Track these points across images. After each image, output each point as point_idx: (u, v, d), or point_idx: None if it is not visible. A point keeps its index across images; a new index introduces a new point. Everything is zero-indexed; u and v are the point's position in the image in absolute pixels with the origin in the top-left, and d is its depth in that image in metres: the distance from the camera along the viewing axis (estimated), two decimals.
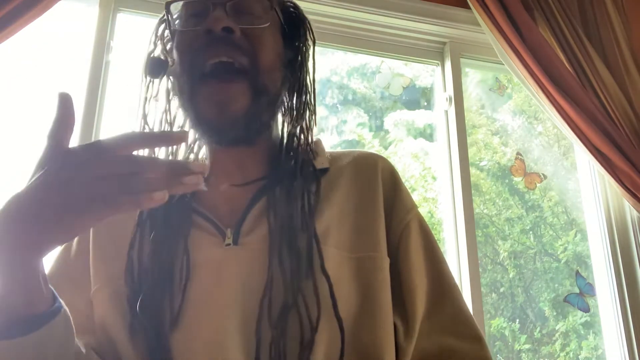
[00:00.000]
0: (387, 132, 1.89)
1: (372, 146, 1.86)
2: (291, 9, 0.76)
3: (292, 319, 0.57)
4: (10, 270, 0.47)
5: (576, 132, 1.71)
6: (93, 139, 1.46)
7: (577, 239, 1.91)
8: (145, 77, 0.71)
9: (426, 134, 1.91)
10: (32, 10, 1.38)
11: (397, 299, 0.66)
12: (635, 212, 1.78)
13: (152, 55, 0.71)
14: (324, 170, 0.71)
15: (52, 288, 0.52)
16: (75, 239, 0.70)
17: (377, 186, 0.70)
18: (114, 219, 0.68)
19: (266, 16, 0.67)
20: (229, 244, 0.62)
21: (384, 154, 1.85)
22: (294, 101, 0.73)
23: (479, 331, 0.68)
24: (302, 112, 0.72)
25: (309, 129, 0.72)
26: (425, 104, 1.94)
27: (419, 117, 1.93)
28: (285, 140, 0.72)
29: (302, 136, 0.71)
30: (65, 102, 0.46)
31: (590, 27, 1.88)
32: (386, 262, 0.66)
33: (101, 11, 1.58)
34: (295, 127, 0.71)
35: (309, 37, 0.75)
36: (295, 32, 0.74)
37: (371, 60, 1.94)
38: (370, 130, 1.88)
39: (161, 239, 0.63)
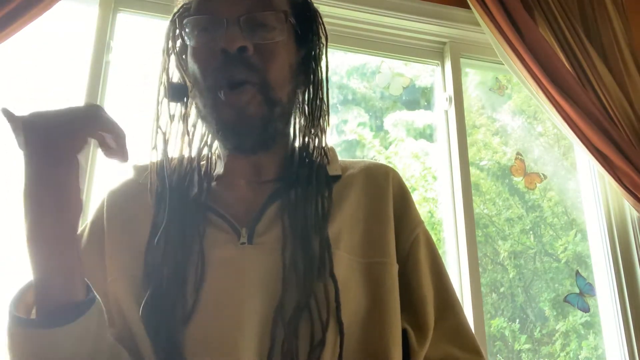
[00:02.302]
0: (387, 132, 1.89)
1: (373, 146, 1.86)
2: (302, 4, 0.76)
3: (303, 319, 0.59)
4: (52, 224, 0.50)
5: (576, 132, 1.71)
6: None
7: (577, 239, 1.91)
8: (167, 100, 0.72)
9: (426, 134, 1.90)
10: (32, 10, 1.38)
11: (406, 305, 0.68)
12: (635, 212, 1.78)
13: (171, 81, 0.72)
14: (336, 177, 0.73)
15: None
16: (86, 233, 0.72)
17: (388, 196, 0.73)
18: (129, 212, 0.70)
19: (280, 27, 0.67)
20: (243, 243, 0.64)
21: (383, 154, 1.85)
22: (308, 103, 0.74)
23: (479, 346, 0.72)
24: (315, 113, 0.74)
25: (323, 130, 0.74)
26: (425, 104, 1.94)
27: (419, 117, 1.92)
28: (299, 142, 0.73)
29: (316, 139, 0.73)
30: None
31: (590, 27, 1.88)
32: (395, 269, 0.68)
33: (101, 11, 1.58)
34: (310, 129, 0.73)
35: (321, 34, 0.76)
36: (308, 28, 0.75)
37: (371, 60, 1.94)
38: (371, 130, 1.88)
39: (177, 235, 0.64)
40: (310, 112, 0.74)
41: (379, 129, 1.89)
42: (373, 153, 1.85)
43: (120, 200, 0.72)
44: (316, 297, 0.60)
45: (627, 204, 1.78)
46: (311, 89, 0.74)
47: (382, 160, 1.84)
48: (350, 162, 0.78)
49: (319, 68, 0.75)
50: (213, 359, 0.58)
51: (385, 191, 0.73)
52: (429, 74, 1.95)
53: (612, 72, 1.80)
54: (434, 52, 1.90)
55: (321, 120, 0.74)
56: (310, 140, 0.73)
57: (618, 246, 1.81)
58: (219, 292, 0.61)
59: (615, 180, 1.70)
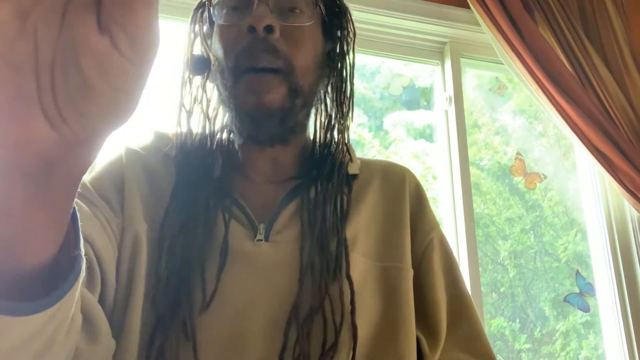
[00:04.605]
0: (386, 132, 1.89)
1: (373, 146, 1.86)
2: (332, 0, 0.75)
3: (316, 321, 0.58)
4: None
5: (576, 132, 1.71)
6: None
7: (578, 239, 1.91)
8: (188, 73, 0.70)
9: (426, 134, 1.90)
10: None
11: (419, 311, 0.67)
12: (635, 212, 1.78)
13: (194, 53, 0.70)
14: (354, 176, 0.72)
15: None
16: (100, 170, 0.65)
17: (405, 199, 0.71)
18: (152, 177, 0.64)
19: (309, 12, 0.66)
20: (260, 240, 0.63)
21: (383, 154, 1.85)
22: (333, 97, 0.73)
23: (492, 351, 0.70)
24: (340, 107, 0.72)
25: (347, 126, 0.73)
26: (425, 104, 1.94)
27: (419, 117, 1.93)
28: (321, 137, 0.72)
29: (339, 135, 0.71)
30: None
31: (590, 27, 1.88)
32: (410, 274, 0.67)
33: None
34: (333, 124, 0.71)
35: (350, 29, 0.75)
36: (337, 22, 0.74)
37: (371, 61, 1.94)
38: (370, 130, 1.88)
39: (199, 214, 0.62)
40: (335, 106, 0.72)
41: (378, 129, 1.89)
42: (373, 153, 1.85)
43: (141, 161, 0.67)
44: (331, 299, 0.59)
45: (627, 204, 1.78)
46: (337, 84, 0.73)
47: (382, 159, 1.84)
48: (367, 161, 0.77)
49: (345, 62, 0.74)
50: (221, 351, 0.56)
51: (401, 193, 0.72)
52: (429, 74, 1.95)
53: (612, 72, 1.80)
54: (434, 52, 1.90)
55: (344, 115, 0.72)
56: (333, 137, 0.71)
57: (618, 246, 1.81)
58: (232, 286, 0.59)
59: (615, 180, 1.70)
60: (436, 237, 0.72)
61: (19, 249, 0.31)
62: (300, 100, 0.66)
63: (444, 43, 1.89)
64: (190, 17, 0.73)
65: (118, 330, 0.56)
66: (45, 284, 0.33)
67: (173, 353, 0.55)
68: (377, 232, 0.68)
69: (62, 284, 0.33)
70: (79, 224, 0.35)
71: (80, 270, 0.35)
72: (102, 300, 0.56)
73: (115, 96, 0.28)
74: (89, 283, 0.54)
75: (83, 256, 0.36)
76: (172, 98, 0.71)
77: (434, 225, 0.73)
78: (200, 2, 0.72)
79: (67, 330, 0.39)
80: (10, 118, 0.26)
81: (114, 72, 0.27)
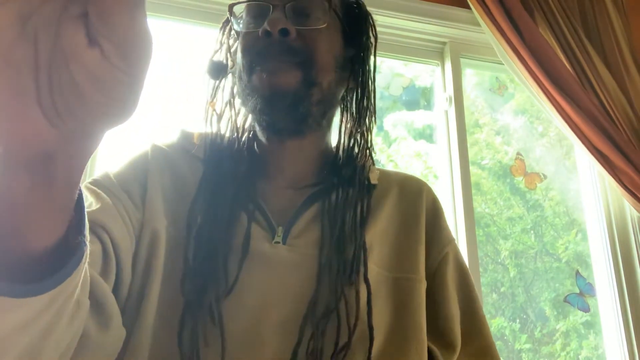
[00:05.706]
0: (387, 132, 1.89)
1: (375, 143, 1.86)
2: (353, 5, 0.76)
3: (331, 320, 0.59)
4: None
5: (576, 133, 1.71)
6: None
7: (578, 239, 1.91)
8: (208, 77, 0.72)
9: (426, 134, 1.91)
10: None
11: (431, 324, 0.68)
12: (635, 212, 1.78)
13: (213, 59, 0.72)
14: (373, 186, 0.73)
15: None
16: (124, 167, 0.67)
17: (421, 212, 0.72)
18: (178, 175, 0.66)
19: (324, 17, 0.67)
20: (277, 242, 0.64)
21: (385, 152, 1.86)
22: (354, 102, 0.73)
23: None
24: (362, 113, 0.73)
25: (369, 130, 0.73)
26: (425, 104, 1.95)
27: (419, 118, 1.93)
28: (344, 143, 0.72)
29: (362, 139, 0.72)
30: None
31: (590, 28, 1.88)
32: (423, 285, 0.68)
33: None
34: (357, 130, 0.72)
35: (371, 34, 0.75)
36: (357, 28, 0.75)
37: None
38: None
39: (223, 216, 0.63)
40: (357, 111, 0.73)
41: (379, 129, 1.89)
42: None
43: (167, 158, 0.69)
44: (346, 300, 0.60)
45: (627, 204, 1.78)
46: (359, 89, 0.74)
47: (383, 159, 1.85)
48: (385, 172, 0.78)
49: (367, 67, 0.75)
50: (239, 344, 0.57)
51: (418, 207, 0.73)
52: (429, 74, 1.95)
53: (612, 72, 1.80)
54: (434, 52, 1.90)
55: (367, 120, 0.73)
56: (356, 141, 0.72)
57: (618, 246, 1.81)
58: (250, 283, 0.60)
59: (615, 180, 1.70)
60: (451, 252, 0.73)
61: (22, 236, 0.32)
62: (316, 93, 0.66)
63: (444, 43, 1.89)
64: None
65: (131, 321, 0.58)
66: (52, 269, 0.34)
67: (201, 338, 0.56)
68: (391, 243, 0.68)
69: (64, 268, 0.35)
70: (85, 212, 0.36)
71: (82, 256, 0.36)
72: (116, 289, 0.57)
73: (109, 102, 0.29)
74: (104, 271, 0.55)
75: (87, 243, 0.37)
76: (194, 97, 0.73)
77: (450, 240, 0.74)
78: (226, 19, 0.74)
79: (71, 314, 0.41)
80: (11, 114, 0.28)
81: (107, 81, 0.28)
